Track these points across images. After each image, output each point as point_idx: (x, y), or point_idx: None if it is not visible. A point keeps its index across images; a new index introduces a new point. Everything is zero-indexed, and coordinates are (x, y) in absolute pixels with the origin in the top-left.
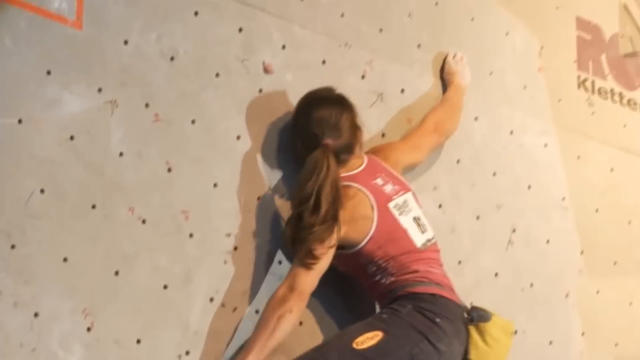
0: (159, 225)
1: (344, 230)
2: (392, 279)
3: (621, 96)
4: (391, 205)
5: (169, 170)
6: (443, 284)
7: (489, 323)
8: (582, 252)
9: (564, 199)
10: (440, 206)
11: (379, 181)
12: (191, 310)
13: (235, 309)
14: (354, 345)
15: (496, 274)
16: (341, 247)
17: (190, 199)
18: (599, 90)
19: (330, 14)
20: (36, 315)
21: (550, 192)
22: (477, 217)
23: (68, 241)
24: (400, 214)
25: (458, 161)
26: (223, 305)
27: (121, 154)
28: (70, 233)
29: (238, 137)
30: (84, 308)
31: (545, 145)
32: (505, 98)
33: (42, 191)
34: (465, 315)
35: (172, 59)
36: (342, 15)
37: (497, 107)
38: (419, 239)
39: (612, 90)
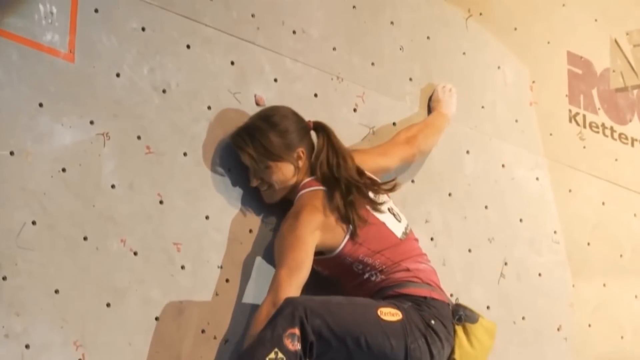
0: (150, 257)
1: (319, 238)
2: (382, 276)
3: (612, 130)
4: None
5: (161, 202)
6: (433, 283)
7: (475, 324)
8: (573, 286)
9: (555, 232)
10: (432, 239)
11: None
12: (183, 342)
13: (226, 341)
14: (379, 313)
15: (488, 307)
16: (320, 252)
17: (181, 231)
18: (590, 124)
19: (321, 48)
20: (27, 347)
21: (542, 225)
22: (469, 250)
23: (59, 273)
24: (381, 214)
25: (450, 194)
26: (215, 337)
27: (113, 186)
28: (61, 265)
29: (229, 170)
30: (75, 340)
31: (537, 178)
32: (496, 131)
33: (33, 223)
34: (453, 313)
35: (164, 91)
36: (334, 48)
37: (488, 140)
38: (397, 229)
39: (603, 125)
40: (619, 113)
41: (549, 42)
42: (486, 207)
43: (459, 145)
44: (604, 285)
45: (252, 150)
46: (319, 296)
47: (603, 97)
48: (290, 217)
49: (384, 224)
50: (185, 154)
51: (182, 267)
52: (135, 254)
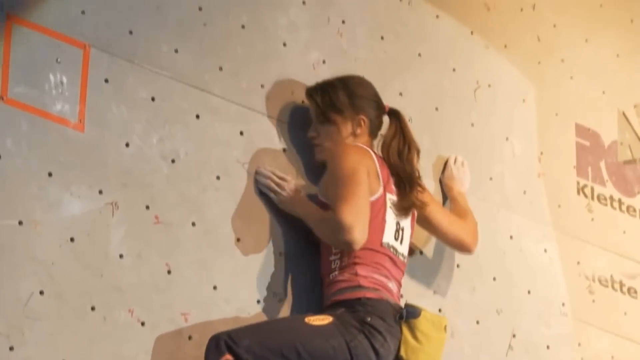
0: (158, 327)
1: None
2: (337, 270)
3: (620, 202)
4: (388, 195)
5: (169, 272)
6: (377, 286)
7: (418, 319)
8: (581, 359)
9: (563, 304)
10: (440, 310)
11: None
12: None
13: None
14: (306, 320)
15: None
16: None
17: (189, 301)
18: (599, 196)
19: None
20: None
21: (550, 297)
22: (477, 322)
23: (67, 343)
24: (390, 210)
25: (458, 265)
26: None
27: (121, 256)
28: (69, 334)
29: (238, 240)
30: None
31: (545, 250)
32: (504, 203)
33: (41, 292)
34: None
35: (173, 161)
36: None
37: (496, 212)
38: (388, 238)
39: (611, 197)
40: (627, 185)
41: (557, 114)
42: (494, 278)
43: None
44: (612, 358)
45: (320, 99)
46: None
47: (611, 169)
48: (337, 158)
49: (384, 222)
50: (193, 224)
51: (190, 338)
52: (142, 324)
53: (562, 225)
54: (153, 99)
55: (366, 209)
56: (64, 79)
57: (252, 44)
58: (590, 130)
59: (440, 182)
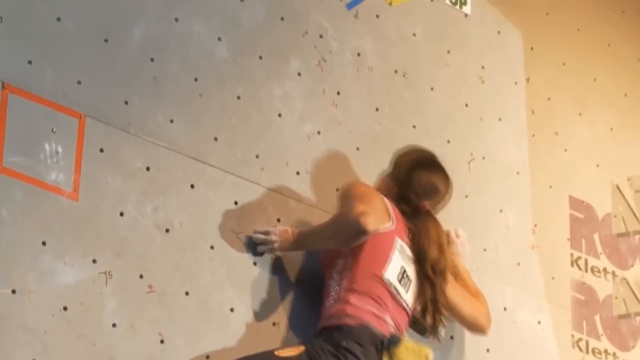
0: None
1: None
2: (340, 299)
3: (614, 275)
4: (398, 240)
5: (162, 341)
6: (363, 316)
7: (399, 348)
8: None
9: None
10: None
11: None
12: None
13: None
14: (275, 352)
15: None
16: None
17: None
18: (592, 268)
19: (324, 188)
20: None
21: None
22: None
23: None
24: (397, 252)
25: (452, 337)
26: None
27: (114, 325)
28: None
29: (232, 309)
30: None
31: (539, 322)
32: (498, 274)
33: None
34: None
35: (167, 230)
36: (337, 189)
37: (490, 283)
38: (390, 275)
39: (605, 269)
40: (621, 258)
41: (551, 187)
42: (488, 350)
43: None
44: None
45: None
46: None
47: (605, 241)
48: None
49: (389, 258)
50: (187, 293)
51: None
52: None
53: (556, 297)
54: (148, 169)
55: (378, 206)
56: (59, 149)
57: (248, 114)
58: (584, 202)
59: None
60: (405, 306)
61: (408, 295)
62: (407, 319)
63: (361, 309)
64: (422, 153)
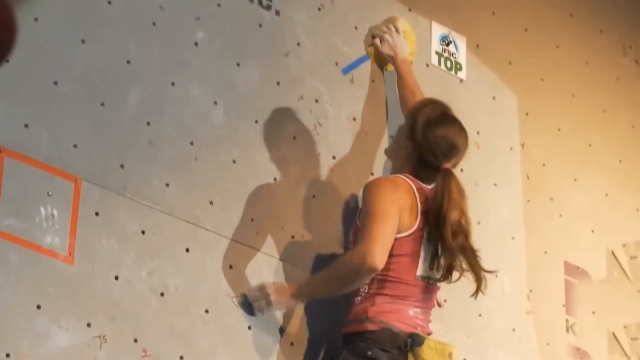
0: None
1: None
2: (367, 299)
3: None
4: (424, 230)
5: None
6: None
7: (422, 347)
8: None
9: None
10: None
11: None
12: None
13: None
14: None
15: None
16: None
17: None
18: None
19: (318, 252)
20: None
21: None
22: None
23: None
24: (425, 242)
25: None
26: None
27: None
28: None
29: None
30: None
31: None
32: (493, 340)
33: None
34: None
35: (162, 294)
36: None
37: (485, 348)
38: (422, 270)
39: None
40: None
41: (546, 252)
42: None
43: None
44: None
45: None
46: None
47: None
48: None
49: (420, 255)
50: (181, 358)
51: None
52: None
53: None
54: (143, 232)
55: (386, 240)
56: (55, 212)
57: (243, 178)
58: (579, 268)
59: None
60: (438, 285)
61: (440, 271)
62: (437, 292)
63: (384, 309)
64: (434, 106)
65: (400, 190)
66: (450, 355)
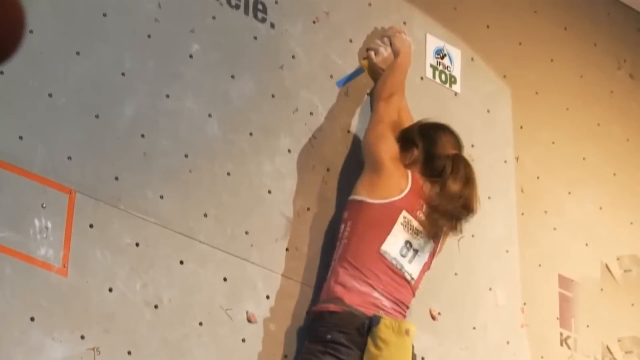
0: None
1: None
2: (333, 272)
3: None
4: (404, 214)
5: None
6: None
7: (378, 327)
8: None
9: None
10: None
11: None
12: None
13: None
14: None
15: None
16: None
17: None
18: (582, 348)
19: (312, 265)
20: None
21: None
22: None
23: None
24: (401, 226)
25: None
26: None
27: None
28: None
29: None
30: None
31: None
32: (487, 353)
33: None
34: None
35: (156, 307)
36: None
37: None
38: (389, 247)
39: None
40: None
41: (540, 265)
42: None
43: None
44: None
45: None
46: None
47: None
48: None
49: (390, 233)
50: None
51: None
52: None
53: None
54: (137, 245)
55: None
56: (49, 224)
57: (237, 191)
58: (573, 281)
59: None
60: (409, 278)
61: (412, 266)
62: (411, 290)
63: (348, 290)
64: (426, 121)
65: (396, 162)
66: (407, 332)
